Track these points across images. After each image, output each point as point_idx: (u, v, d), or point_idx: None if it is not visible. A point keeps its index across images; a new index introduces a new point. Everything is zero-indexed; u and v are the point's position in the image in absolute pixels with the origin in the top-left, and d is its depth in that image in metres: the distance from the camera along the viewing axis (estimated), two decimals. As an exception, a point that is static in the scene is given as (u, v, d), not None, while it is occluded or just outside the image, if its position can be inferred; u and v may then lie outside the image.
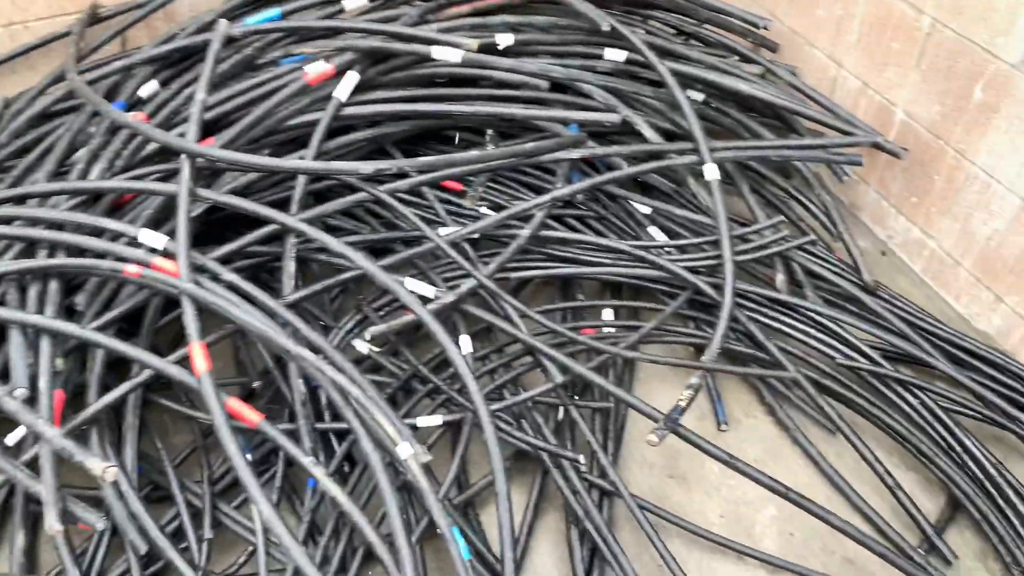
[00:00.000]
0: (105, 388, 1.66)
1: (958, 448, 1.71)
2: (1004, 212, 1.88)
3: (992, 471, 1.66)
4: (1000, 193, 1.88)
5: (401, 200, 2.16)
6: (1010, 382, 1.82)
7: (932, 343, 1.91)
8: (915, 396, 1.80)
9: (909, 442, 1.76)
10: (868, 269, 2.05)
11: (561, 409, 1.84)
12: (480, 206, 2.17)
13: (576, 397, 1.88)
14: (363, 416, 1.54)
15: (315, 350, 1.70)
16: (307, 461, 1.51)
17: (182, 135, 1.83)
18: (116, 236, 1.74)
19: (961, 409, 1.79)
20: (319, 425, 1.74)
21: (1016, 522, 1.60)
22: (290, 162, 1.84)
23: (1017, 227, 1.86)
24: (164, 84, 2.13)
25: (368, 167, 1.81)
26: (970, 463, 1.69)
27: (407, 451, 1.46)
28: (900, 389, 1.81)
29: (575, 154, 2.05)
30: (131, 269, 1.63)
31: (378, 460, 1.49)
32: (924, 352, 1.86)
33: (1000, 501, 1.63)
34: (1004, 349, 1.97)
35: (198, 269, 1.74)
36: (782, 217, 2.04)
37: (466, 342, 1.85)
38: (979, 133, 1.89)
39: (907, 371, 1.87)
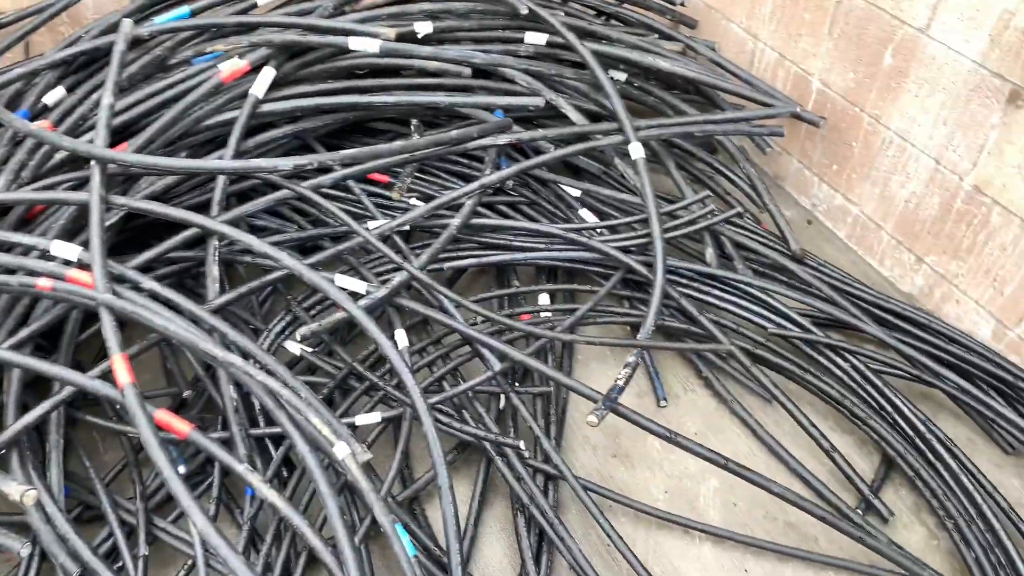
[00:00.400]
0: (24, 408, 1.60)
1: (889, 408, 1.75)
2: (919, 174, 1.93)
3: (922, 428, 1.69)
4: (914, 156, 1.92)
5: (327, 196, 2.13)
6: (935, 340, 1.86)
7: (859, 307, 1.95)
8: (846, 360, 1.83)
9: (842, 405, 1.79)
10: (795, 238, 2.08)
11: (502, 396, 1.83)
12: (409, 197, 2.15)
13: (517, 384, 1.87)
14: (297, 419, 1.51)
15: (245, 355, 1.66)
16: (241, 468, 1.48)
17: (91, 141, 1.77)
18: (27, 250, 1.68)
19: (890, 370, 1.83)
20: (254, 431, 1.70)
21: (946, 476, 1.64)
22: (206, 162, 1.79)
23: (932, 188, 1.90)
24: (71, 90, 2.06)
25: (288, 163, 1.77)
26: (901, 422, 1.73)
27: (344, 451, 1.44)
28: (831, 354, 1.85)
29: (501, 140, 2.03)
30: (43, 283, 1.56)
31: (315, 463, 1.46)
32: (852, 316, 1.90)
33: (931, 457, 1.67)
34: (927, 308, 2.02)
35: (117, 279, 1.69)
36: (708, 192, 2.05)
37: (401, 336, 1.83)
38: (891, 98, 1.93)
39: (837, 336, 1.91)
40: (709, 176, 2.30)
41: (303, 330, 1.71)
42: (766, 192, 2.17)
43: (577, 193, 2.17)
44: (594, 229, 2.03)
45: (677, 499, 1.73)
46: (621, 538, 1.56)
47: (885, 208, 2.07)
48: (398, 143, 1.90)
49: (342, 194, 2.16)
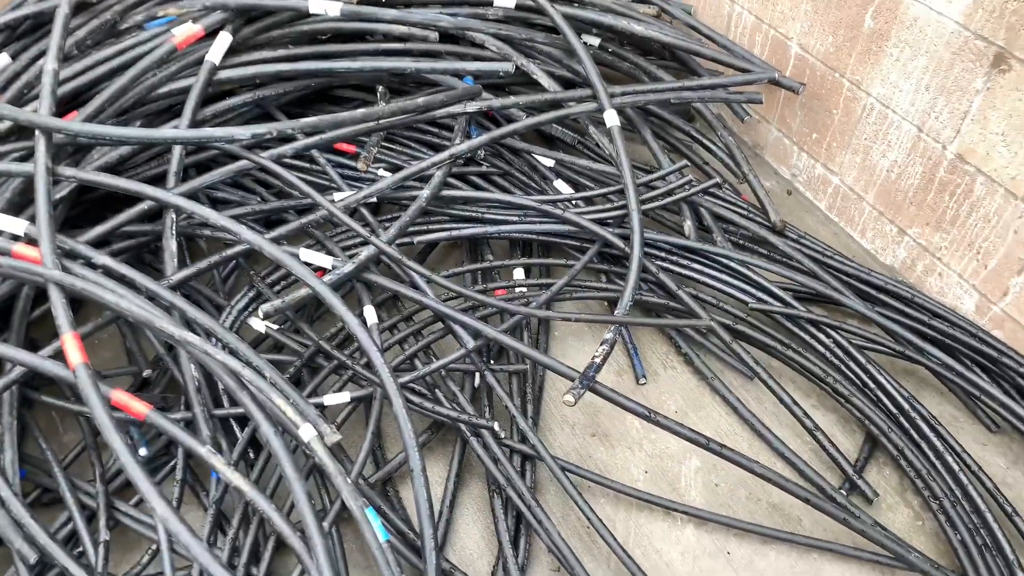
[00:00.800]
0: (-28, 391, 1.52)
1: (872, 385, 1.71)
2: (901, 142, 1.88)
3: (905, 406, 1.66)
4: (896, 122, 1.87)
5: (290, 167, 2.06)
6: (917, 315, 1.82)
7: (841, 281, 1.90)
8: (828, 336, 1.79)
9: (825, 382, 1.75)
10: (775, 209, 2.02)
11: (477, 375, 1.77)
12: (377, 168, 2.07)
13: (492, 361, 1.81)
14: (260, 400, 1.44)
15: (207, 333, 1.59)
16: (204, 451, 1.41)
17: (36, 110, 1.67)
18: (-31, 225, 1.58)
19: (873, 346, 1.78)
20: (218, 411, 1.63)
21: (931, 455, 1.61)
22: (158, 132, 1.69)
23: (914, 157, 1.86)
24: (15, 57, 1.95)
25: (245, 132, 1.68)
26: (885, 400, 1.69)
27: (310, 433, 1.37)
28: (813, 329, 1.80)
29: (471, 107, 1.95)
30: (-14, 260, 1.47)
31: (280, 445, 1.39)
32: (834, 290, 1.85)
33: (915, 435, 1.64)
34: (910, 282, 1.98)
35: (67, 254, 1.60)
36: (686, 161, 1.99)
37: (370, 312, 1.75)
38: (872, 62, 1.88)
39: (819, 311, 1.87)
40: (687, 145, 2.24)
41: (265, 307, 1.63)
42: (745, 162, 2.11)
43: (551, 163, 2.10)
44: (569, 201, 1.96)
45: (658, 480, 1.69)
46: (601, 521, 1.51)
47: (866, 178, 2.02)
48: (361, 111, 1.81)
49: (307, 165, 2.08)
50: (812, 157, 2.19)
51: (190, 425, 1.62)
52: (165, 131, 1.69)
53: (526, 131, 2.03)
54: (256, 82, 2.01)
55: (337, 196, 1.89)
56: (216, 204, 2.04)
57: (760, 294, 1.86)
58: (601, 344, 1.55)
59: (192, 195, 1.78)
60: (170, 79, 1.91)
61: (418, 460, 1.43)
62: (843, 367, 1.75)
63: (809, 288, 1.87)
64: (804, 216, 2.20)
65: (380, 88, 2.16)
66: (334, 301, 1.55)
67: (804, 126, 2.17)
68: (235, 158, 1.86)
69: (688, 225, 1.96)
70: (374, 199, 1.89)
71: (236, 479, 1.37)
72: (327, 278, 1.69)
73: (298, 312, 1.88)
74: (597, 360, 1.51)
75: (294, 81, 2.06)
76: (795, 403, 1.72)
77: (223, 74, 1.94)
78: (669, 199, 1.93)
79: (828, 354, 1.77)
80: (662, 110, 2.23)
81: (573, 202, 1.97)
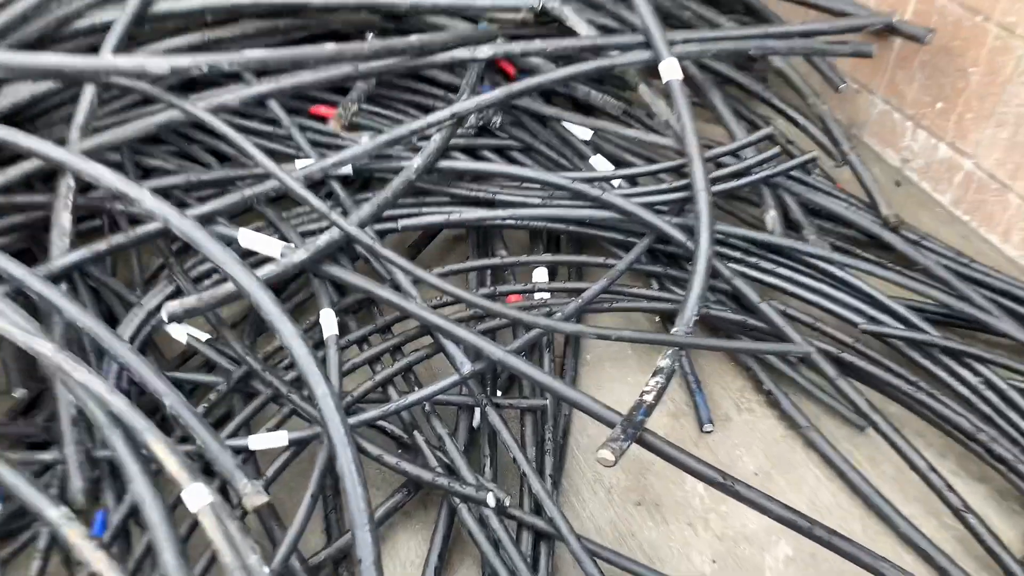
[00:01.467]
0: None
1: (1044, 444, 1.20)
2: (1073, 110, 1.38)
3: (1099, 477, 1.14)
4: (1067, 83, 1.37)
5: (249, 131, 1.60)
6: (1097, 345, 1.31)
7: (985, 297, 1.40)
8: (973, 372, 1.29)
9: (974, 439, 1.23)
10: (887, 200, 1.53)
11: (476, 411, 1.31)
12: (359, 136, 1.60)
13: (498, 393, 1.34)
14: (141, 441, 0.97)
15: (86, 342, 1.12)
16: (56, 514, 0.99)
17: None
18: None
19: (1038, 388, 1.28)
20: (103, 452, 1.16)
21: None
22: (29, 57, 1.22)
23: (1091, 131, 1.35)
24: None
25: (162, 65, 1.22)
26: (1064, 466, 1.17)
27: (200, 500, 0.89)
28: (951, 362, 1.31)
29: (480, 53, 1.48)
30: None
31: (159, 512, 0.91)
32: (979, 309, 1.35)
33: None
34: (1075, 300, 1.46)
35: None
36: (771, 128, 1.49)
37: (329, 319, 1.28)
38: (1036, -1, 1.38)
39: (957, 337, 1.36)
40: (765, 119, 1.76)
41: (171, 306, 1.15)
42: (845, 139, 1.62)
43: (587, 135, 1.63)
44: (609, 180, 1.48)
45: (731, 573, 1.18)
46: (646, 639, 1.02)
47: (1017, 160, 1.51)
48: (332, 45, 1.35)
49: (271, 129, 1.62)
50: (934, 135, 1.67)
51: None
52: (40, 56, 1.22)
53: (554, 86, 1.55)
54: (207, 20, 1.57)
55: (299, 164, 1.42)
56: (149, 174, 1.59)
57: (873, 312, 1.36)
58: (653, 375, 1.09)
59: (106, 159, 1.34)
60: (89, 9, 1.48)
61: (371, 547, 0.94)
62: (997, 417, 1.24)
63: (943, 305, 1.37)
64: (918, 212, 1.70)
65: (370, 35, 1.70)
66: (263, 298, 1.07)
67: (924, 93, 1.66)
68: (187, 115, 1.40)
69: (772, 216, 1.46)
70: (349, 169, 1.43)
71: (100, 561, 0.92)
72: (268, 269, 1.21)
73: (245, 318, 1.42)
74: (648, 398, 1.06)
75: (256, 20, 1.61)
76: (931, 468, 1.20)
77: (162, 6, 1.51)
78: (745, 180, 1.44)
79: (974, 398, 1.27)
80: (734, 73, 1.74)
81: (614, 182, 1.48)
